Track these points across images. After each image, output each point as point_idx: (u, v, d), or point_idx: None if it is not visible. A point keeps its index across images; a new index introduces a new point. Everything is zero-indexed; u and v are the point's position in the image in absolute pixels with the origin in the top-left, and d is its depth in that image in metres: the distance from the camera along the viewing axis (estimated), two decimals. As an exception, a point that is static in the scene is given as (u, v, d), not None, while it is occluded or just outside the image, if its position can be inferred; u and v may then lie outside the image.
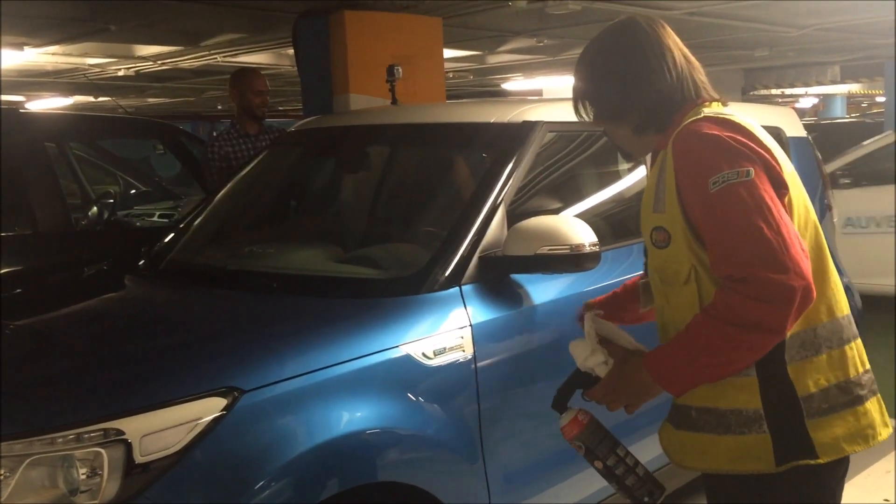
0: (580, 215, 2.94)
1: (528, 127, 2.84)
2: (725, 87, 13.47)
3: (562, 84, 13.77)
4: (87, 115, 6.81)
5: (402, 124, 3.23)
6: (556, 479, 2.70)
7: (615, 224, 3.23)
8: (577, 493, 2.77)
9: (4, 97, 12.41)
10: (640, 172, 3.21)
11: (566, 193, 3.14)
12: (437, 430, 2.33)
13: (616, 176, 3.33)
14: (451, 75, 11.68)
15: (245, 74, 4.87)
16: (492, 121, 2.92)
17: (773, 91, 15.05)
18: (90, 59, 9.07)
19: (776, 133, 4.00)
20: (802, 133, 4.17)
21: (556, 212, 2.91)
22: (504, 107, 2.99)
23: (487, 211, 2.61)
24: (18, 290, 3.45)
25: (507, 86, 14.01)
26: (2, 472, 1.82)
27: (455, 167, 3.06)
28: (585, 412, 1.82)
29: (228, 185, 3.52)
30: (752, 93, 14.26)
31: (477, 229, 2.57)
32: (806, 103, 19.69)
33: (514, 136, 2.82)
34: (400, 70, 4.73)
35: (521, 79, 13.51)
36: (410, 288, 2.45)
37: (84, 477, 1.84)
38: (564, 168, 3.13)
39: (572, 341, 1.94)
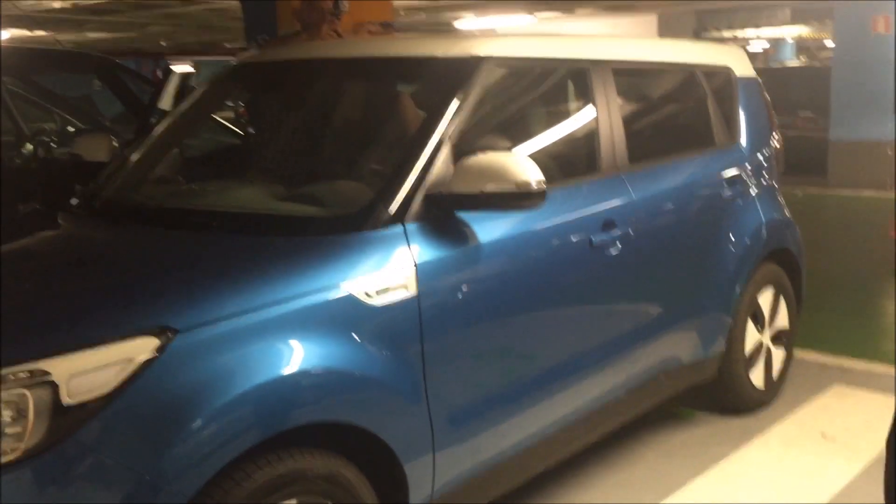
0: (529, 153, 2.90)
1: (476, 61, 2.77)
2: (678, 29, 13.46)
3: (514, 23, 13.60)
4: (17, 48, 6.50)
5: (346, 58, 3.12)
6: (501, 418, 2.70)
7: (565, 162, 3.19)
8: (522, 430, 2.78)
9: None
10: (590, 112, 3.16)
11: (515, 131, 3.08)
12: (379, 370, 2.30)
13: (567, 114, 3.28)
14: (402, 13, 11.44)
15: None
16: (438, 55, 2.84)
17: (725, 34, 15.09)
18: (23, -11, 8.68)
19: (725, 73, 3.98)
20: (752, 73, 4.15)
21: (506, 149, 2.86)
22: (451, 41, 2.91)
23: (433, 148, 2.55)
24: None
25: (459, 24, 13.81)
26: (-78, 415, 1.74)
27: (401, 103, 2.98)
28: None
29: (167, 121, 3.39)
30: (703, 34, 14.28)
31: (422, 166, 2.51)
32: (757, 48, 19.79)
33: (461, 70, 2.74)
34: (346, 4, 4.59)
35: (473, 17, 13.31)
36: (353, 226, 2.39)
37: (9, 420, 1.77)
38: (513, 105, 3.07)
39: None
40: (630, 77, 3.53)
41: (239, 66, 3.30)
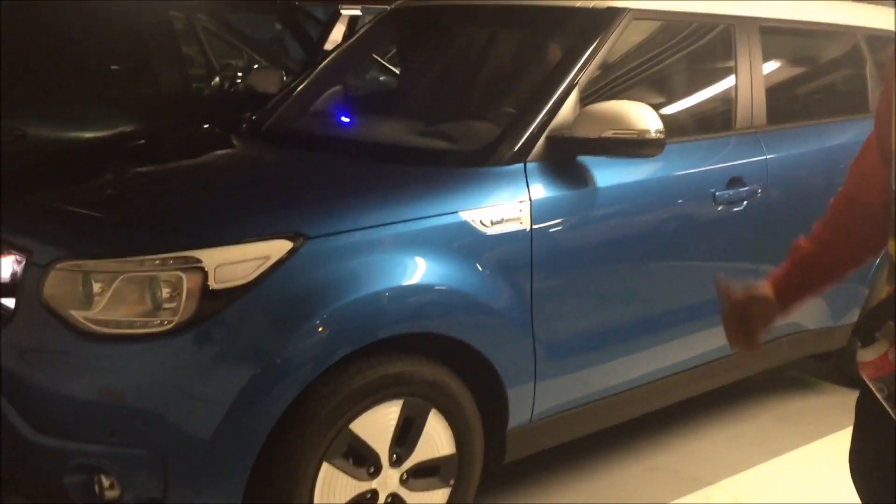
0: (661, 106, 2.97)
1: (613, 13, 2.86)
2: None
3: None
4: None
5: (489, 5, 3.28)
6: (604, 358, 2.83)
7: (698, 117, 3.23)
8: (625, 373, 2.91)
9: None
10: (730, 69, 3.17)
11: (649, 83, 3.15)
12: (489, 294, 2.49)
13: (705, 70, 3.30)
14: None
15: None
16: (577, 5, 2.95)
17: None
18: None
19: (889, 38, 3.82)
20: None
21: (637, 101, 2.94)
22: (593, -8, 3.00)
23: (560, 93, 2.69)
24: (140, 142, 3.78)
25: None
26: (98, 286, 2.12)
27: (538, 49, 3.11)
28: None
29: (330, 58, 3.70)
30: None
31: (548, 110, 2.66)
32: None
33: (598, 21, 2.85)
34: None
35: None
36: (476, 160, 2.59)
37: (167, 296, 2.11)
38: (651, 57, 3.13)
39: None
40: (781, 36, 3.47)
41: (394, 10, 3.54)
